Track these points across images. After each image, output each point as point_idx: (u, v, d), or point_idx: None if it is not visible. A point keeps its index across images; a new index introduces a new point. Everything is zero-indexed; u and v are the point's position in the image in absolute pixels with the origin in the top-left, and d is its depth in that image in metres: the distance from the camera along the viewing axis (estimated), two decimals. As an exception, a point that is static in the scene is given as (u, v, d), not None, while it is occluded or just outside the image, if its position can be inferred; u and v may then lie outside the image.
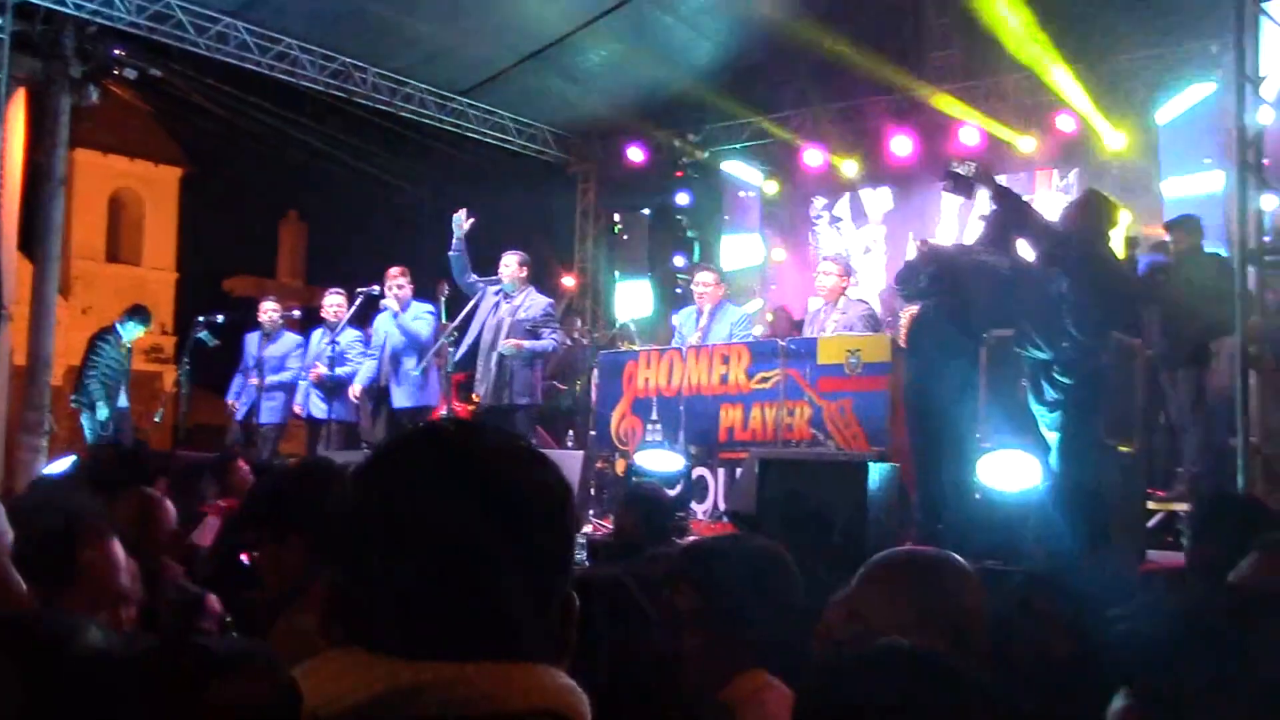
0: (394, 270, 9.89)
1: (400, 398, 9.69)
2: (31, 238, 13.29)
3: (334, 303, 10.33)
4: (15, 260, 13.29)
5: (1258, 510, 4.30)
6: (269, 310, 10.72)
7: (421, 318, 9.78)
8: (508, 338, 9.07)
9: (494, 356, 9.18)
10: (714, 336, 9.27)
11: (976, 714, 1.40)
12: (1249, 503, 4.72)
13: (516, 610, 1.13)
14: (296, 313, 10.73)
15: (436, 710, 1.07)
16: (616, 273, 15.53)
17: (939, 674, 1.43)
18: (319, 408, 10.12)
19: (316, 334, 10.42)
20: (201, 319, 10.63)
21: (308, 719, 1.09)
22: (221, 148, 15.41)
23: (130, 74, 12.40)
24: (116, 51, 12.31)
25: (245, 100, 13.76)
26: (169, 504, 3.80)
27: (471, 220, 9.29)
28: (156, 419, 14.59)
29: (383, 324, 9.90)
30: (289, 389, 10.47)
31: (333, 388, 9.93)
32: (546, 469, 1.18)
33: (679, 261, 15.08)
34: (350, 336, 10.13)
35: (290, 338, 10.69)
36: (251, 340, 10.72)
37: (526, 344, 9.08)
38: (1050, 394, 6.43)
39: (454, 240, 9.28)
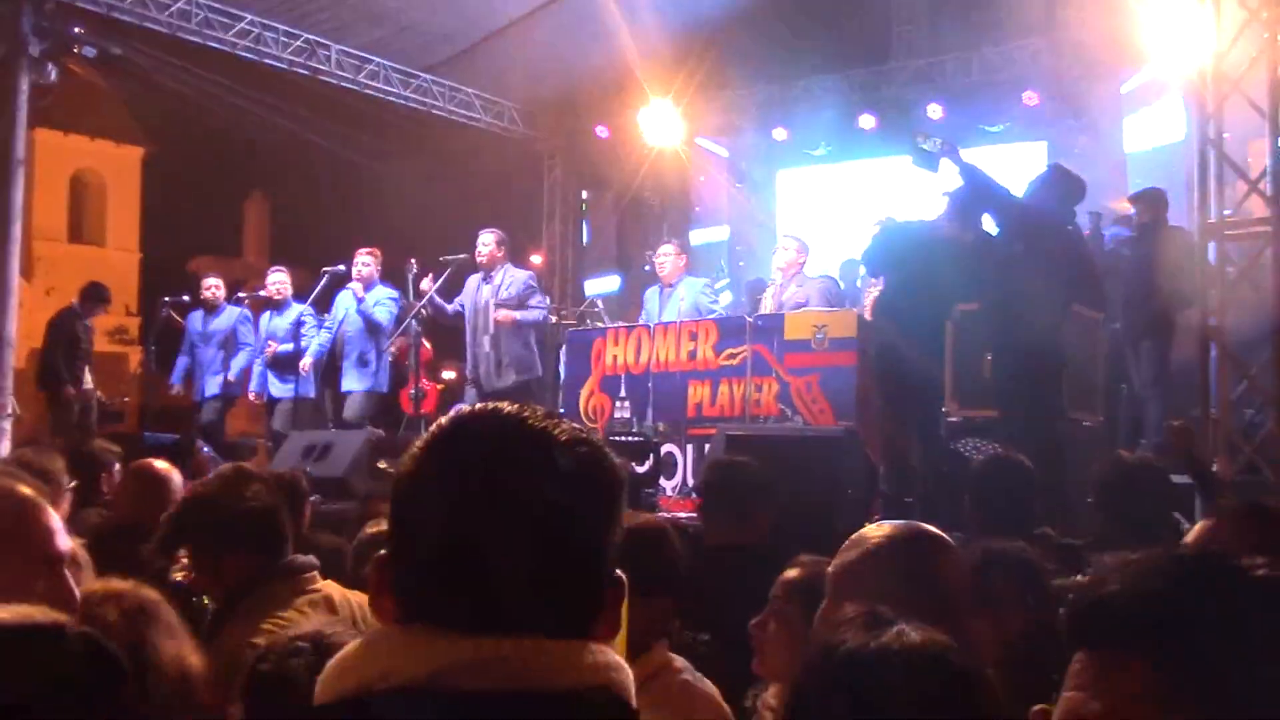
0: (362, 249, 9.88)
1: (349, 381, 9.73)
2: (-9, 219, 13.13)
3: (277, 280, 10.36)
4: (-25, 242, 13.13)
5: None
6: (210, 286, 10.68)
7: (383, 303, 9.77)
8: (497, 323, 9.17)
9: (485, 340, 9.24)
10: (676, 307, 9.32)
11: (981, 708, 1.43)
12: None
13: (571, 587, 1.16)
14: (263, 292, 10.66)
15: (493, 685, 1.09)
16: (582, 247, 15.58)
17: (950, 670, 1.45)
18: (278, 386, 10.09)
19: (265, 315, 10.40)
20: (167, 299, 10.57)
21: (363, 693, 1.11)
22: (184, 126, 15.24)
23: (89, 52, 12.25)
24: (75, 29, 12.15)
25: (207, 78, 13.61)
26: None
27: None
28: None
29: (344, 301, 9.89)
30: (238, 364, 10.43)
31: (286, 363, 9.92)
32: (599, 450, 1.21)
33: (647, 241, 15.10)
34: (296, 312, 10.10)
35: (233, 310, 10.63)
36: (195, 318, 10.65)
37: (517, 314, 9.16)
38: (1014, 366, 6.48)
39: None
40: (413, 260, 10.20)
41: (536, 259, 15.21)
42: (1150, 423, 8.42)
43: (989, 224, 6.95)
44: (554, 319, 11.93)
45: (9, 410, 11.53)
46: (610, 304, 12.95)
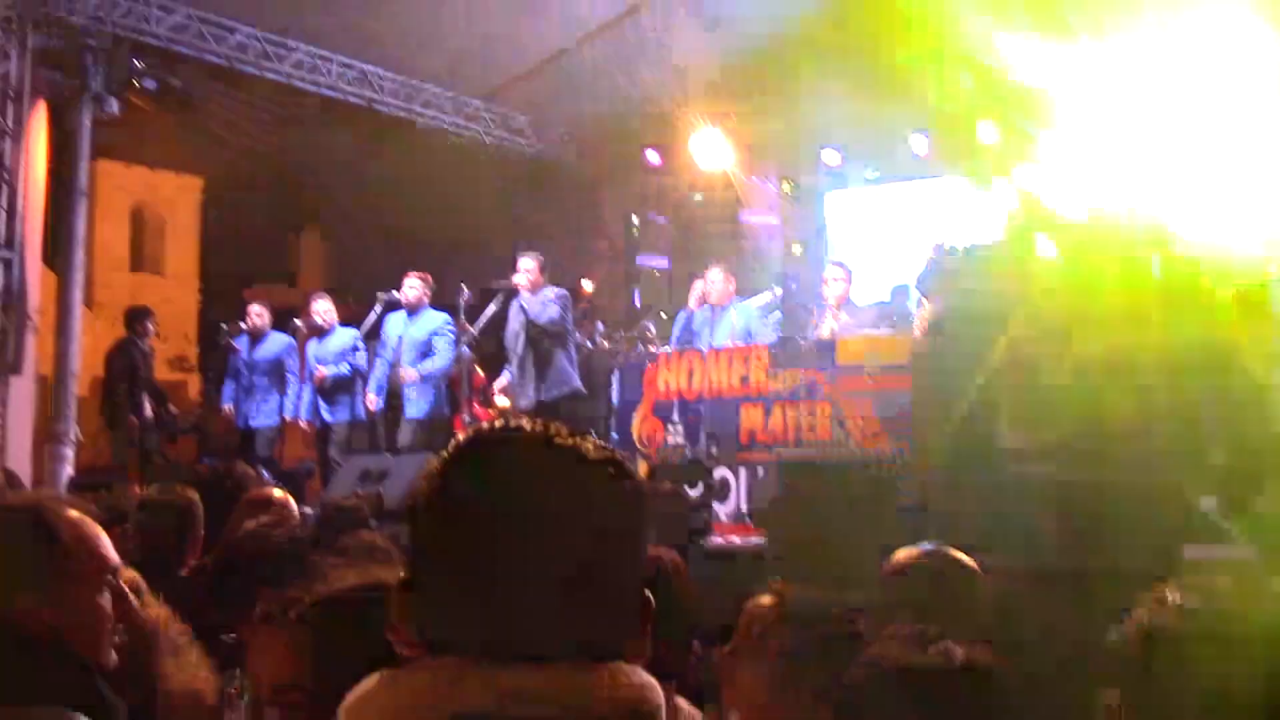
0: (412, 274, 9.94)
1: (413, 408, 9.73)
2: (55, 249, 13.40)
3: (322, 308, 10.43)
4: (40, 272, 13.40)
5: None
6: (256, 313, 10.79)
7: (441, 333, 9.77)
8: (525, 341, 9.20)
9: (515, 360, 9.34)
10: (724, 333, 9.33)
11: None
12: None
13: (600, 610, 1.13)
14: (318, 320, 10.77)
15: (527, 715, 1.07)
16: (638, 266, 15.61)
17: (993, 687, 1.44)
18: (330, 412, 10.17)
19: (311, 342, 10.50)
20: (225, 327, 10.72)
21: None
22: (241, 156, 15.45)
23: (150, 85, 12.50)
24: (137, 63, 12.41)
25: (264, 109, 13.84)
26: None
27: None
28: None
29: (395, 328, 9.93)
30: (280, 390, 10.51)
31: (336, 388, 9.99)
32: (624, 469, 1.18)
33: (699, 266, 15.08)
34: (346, 337, 10.18)
35: (279, 338, 10.73)
36: (242, 344, 10.77)
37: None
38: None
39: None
40: (463, 286, 10.28)
41: (588, 284, 15.27)
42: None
43: (1048, 246, 6.89)
44: (605, 344, 11.98)
45: (72, 438, 11.75)
46: (662, 328, 12.95)
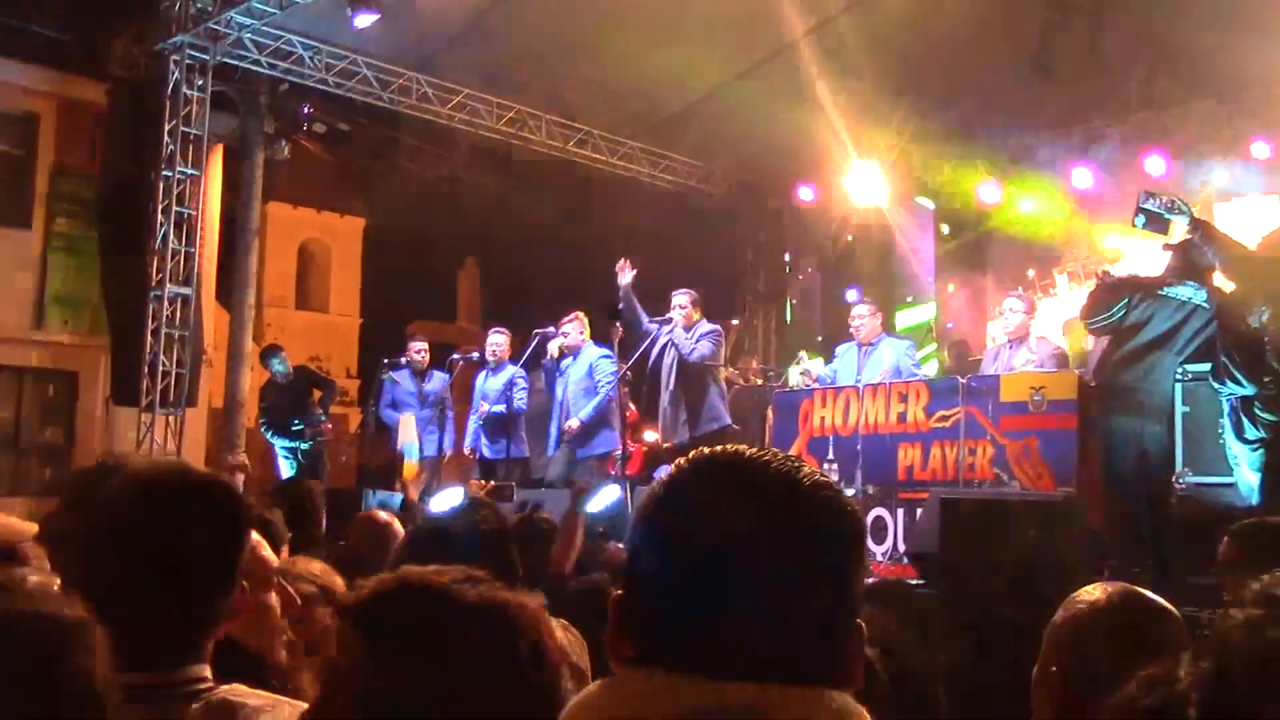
0: (567, 317, 10.02)
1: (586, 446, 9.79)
2: (227, 287, 13.99)
3: (496, 342, 10.57)
4: (213, 308, 14.01)
5: None
6: (418, 350, 11.02)
7: (600, 365, 9.83)
8: (677, 377, 9.20)
9: (665, 396, 9.33)
10: (874, 370, 9.17)
11: None
12: None
13: (811, 633, 1.14)
14: (475, 354, 10.97)
15: None
16: (789, 310, 15.52)
17: None
18: (489, 448, 10.32)
19: (481, 375, 10.66)
20: (386, 361, 10.98)
21: None
22: (401, 196, 15.94)
23: (319, 129, 12.99)
24: (306, 108, 12.91)
25: (424, 150, 14.24)
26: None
27: (633, 272, 9.42)
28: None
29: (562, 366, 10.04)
30: (440, 423, 10.70)
31: (499, 425, 10.11)
32: (841, 496, 1.19)
33: (850, 296, 14.93)
34: (509, 373, 10.32)
35: (440, 375, 10.96)
36: (404, 377, 11.00)
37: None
38: (1253, 432, 6.09)
39: (620, 293, 9.40)
40: (618, 325, 10.33)
41: (737, 323, 15.25)
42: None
43: (1221, 280, 6.61)
44: (759, 382, 11.90)
45: (241, 465, 12.17)
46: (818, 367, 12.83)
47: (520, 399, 10.28)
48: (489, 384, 10.43)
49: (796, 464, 1.19)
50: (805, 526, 1.15)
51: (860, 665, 1.19)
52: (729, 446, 1.22)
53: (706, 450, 1.22)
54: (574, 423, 9.62)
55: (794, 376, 11.20)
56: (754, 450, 1.21)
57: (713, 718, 1.08)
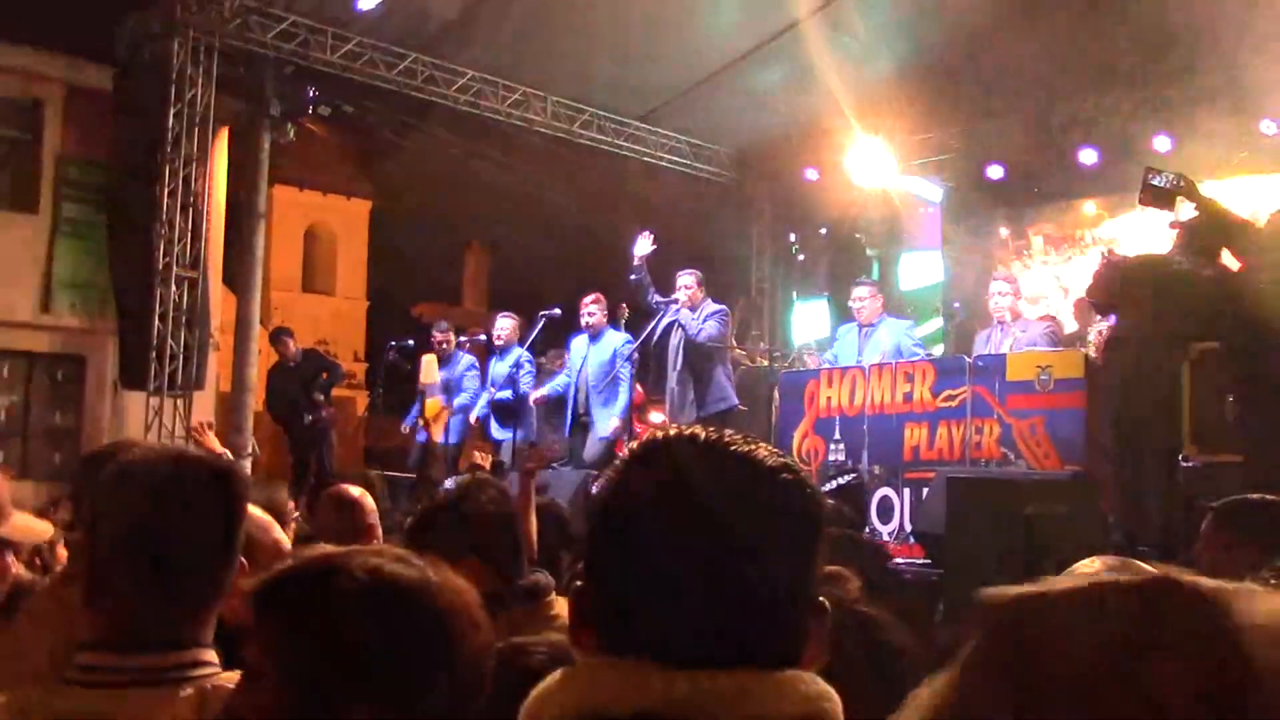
0: (587, 298, 10.02)
1: (604, 427, 9.81)
2: (234, 270, 14.00)
3: (503, 326, 10.56)
4: (220, 292, 14.01)
5: None
6: (441, 338, 11.00)
7: (622, 353, 9.85)
8: (684, 357, 9.24)
9: (673, 376, 9.37)
10: (874, 351, 9.19)
11: None
12: None
13: (778, 617, 1.13)
14: (482, 337, 10.99)
15: (713, 717, 1.07)
16: (795, 294, 15.51)
17: None
18: (499, 431, 10.33)
19: (491, 360, 10.67)
20: (393, 343, 11.00)
21: None
22: (407, 179, 15.94)
23: (324, 111, 12.96)
24: (312, 91, 12.88)
25: (430, 132, 14.22)
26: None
27: (653, 246, 9.45)
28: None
29: (579, 349, 10.04)
30: (465, 409, 10.70)
31: (507, 410, 10.12)
32: (800, 476, 1.18)
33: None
34: (517, 355, 10.32)
35: (465, 358, 10.95)
36: (429, 363, 11.02)
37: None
38: (1261, 408, 6.09)
39: (635, 263, 9.44)
40: (624, 305, 10.36)
41: (740, 302, 15.25)
42: None
43: (1228, 258, 6.59)
44: (765, 363, 11.91)
45: (249, 450, 12.21)
46: (821, 345, 12.83)
47: (527, 382, 10.29)
48: (496, 369, 10.44)
49: (754, 445, 1.18)
50: (765, 508, 1.13)
51: (824, 643, 1.17)
52: (685, 429, 1.20)
53: (661, 435, 1.20)
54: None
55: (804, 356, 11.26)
56: (711, 431, 1.19)
57: (682, 708, 1.06)
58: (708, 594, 1.10)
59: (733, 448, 1.16)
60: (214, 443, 5.98)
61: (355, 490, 4.28)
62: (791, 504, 1.15)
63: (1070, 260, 13.33)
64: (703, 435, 1.18)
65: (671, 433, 1.20)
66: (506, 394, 10.20)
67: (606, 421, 9.75)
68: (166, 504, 1.82)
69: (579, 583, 1.19)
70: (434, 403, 10.19)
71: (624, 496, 1.16)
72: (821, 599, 1.18)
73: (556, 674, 1.15)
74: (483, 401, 10.58)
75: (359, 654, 1.35)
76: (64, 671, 1.78)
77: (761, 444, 1.19)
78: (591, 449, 9.81)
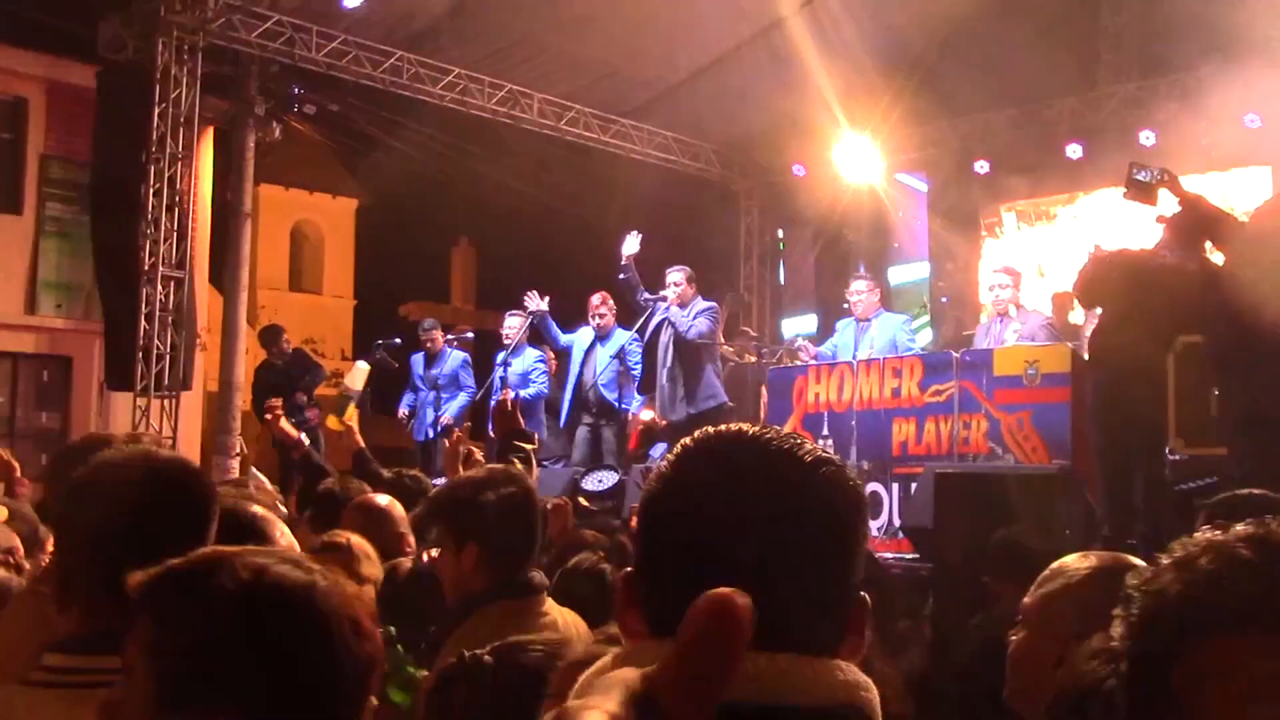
0: (595, 299, 9.99)
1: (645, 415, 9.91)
2: (220, 270, 13.97)
3: (512, 325, 10.52)
4: (206, 291, 13.98)
5: None
6: (430, 337, 10.98)
7: (633, 352, 9.88)
8: (674, 354, 9.25)
9: (663, 374, 9.36)
10: (871, 344, 9.21)
11: None
12: None
13: (819, 606, 1.17)
14: (470, 334, 10.98)
15: (748, 699, 1.09)
16: (783, 307, 15.59)
17: None
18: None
19: (500, 357, 10.64)
20: (380, 342, 10.97)
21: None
22: (394, 177, 15.92)
23: (309, 109, 12.93)
24: (297, 89, 12.85)
25: (417, 130, 14.21)
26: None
27: (638, 245, 9.47)
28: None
29: (580, 346, 10.04)
30: (437, 405, 10.68)
31: (530, 409, 10.11)
32: (842, 471, 1.22)
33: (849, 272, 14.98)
34: (532, 357, 10.32)
35: (456, 354, 10.93)
36: (417, 362, 11.00)
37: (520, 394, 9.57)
38: (1246, 402, 6.11)
39: (623, 262, 9.44)
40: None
41: (728, 299, 15.26)
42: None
43: (1213, 252, 6.61)
44: (754, 359, 11.92)
45: (237, 450, 12.19)
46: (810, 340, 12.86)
47: (541, 382, 10.30)
48: (515, 367, 10.35)
49: (798, 440, 1.22)
50: (809, 502, 1.17)
51: (864, 635, 1.21)
52: (732, 426, 1.25)
53: (711, 430, 1.25)
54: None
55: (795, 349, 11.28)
56: (756, 428, 1.23)
57: (739, 688, 1.06)
58: (753, 582, 1.09)
59: (778, 443, 1.20)
60: (289, 429, 6.00)
61: (383, 499, 4.21)
62: (835, 497, 1.19)
63: (1037, 230, 13.42)
64: (750, 431, 1.23)
65: (719, 429, 1.25)
66: (530, 391, 10.19)
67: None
68: (135, 506, 1.82)
69: (628, 569, 1.23)
70: (352, 410, 10.12)
71: (676, 487, 1.21)
72: (863, 593, 1.22)
73: (609, 655, 1.18)
74: (460, 401, 10.57)
75: (227, 656, 1.31)
76: (29, 673, 1.77)
77: (804, 440, 1.23)
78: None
